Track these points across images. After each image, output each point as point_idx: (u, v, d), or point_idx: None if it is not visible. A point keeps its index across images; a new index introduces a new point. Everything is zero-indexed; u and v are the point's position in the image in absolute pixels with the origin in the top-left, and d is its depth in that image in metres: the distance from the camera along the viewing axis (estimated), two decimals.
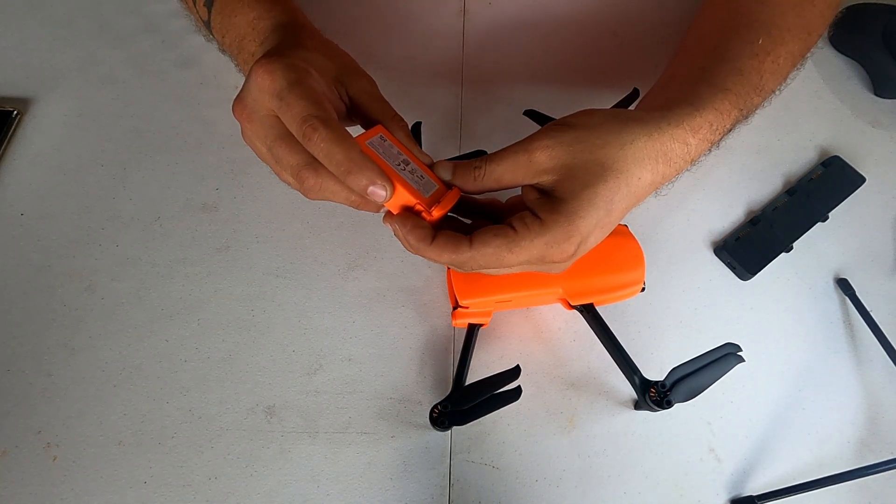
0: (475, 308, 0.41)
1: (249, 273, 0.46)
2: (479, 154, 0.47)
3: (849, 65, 0.57)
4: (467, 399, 0.37)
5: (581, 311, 0.41)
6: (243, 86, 0.35)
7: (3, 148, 0.49)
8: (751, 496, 0.40)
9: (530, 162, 0.34)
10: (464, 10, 0.58)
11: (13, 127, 0.50)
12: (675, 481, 0.40)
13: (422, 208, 0.34)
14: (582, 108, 0.54)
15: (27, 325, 0.44)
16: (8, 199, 0.48)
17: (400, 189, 0.34)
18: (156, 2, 0.57)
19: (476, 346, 0.42)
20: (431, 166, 0.37)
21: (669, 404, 0.37)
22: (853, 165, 0.51)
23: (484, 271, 0.36)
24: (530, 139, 0.35)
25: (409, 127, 0.39)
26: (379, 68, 0.54)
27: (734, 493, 0.40)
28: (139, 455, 0.40)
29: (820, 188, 0.50)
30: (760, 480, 0.41)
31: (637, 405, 0.42)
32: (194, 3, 0.46)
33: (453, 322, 0.43)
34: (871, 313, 0.45)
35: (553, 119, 0.48)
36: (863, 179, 0.50)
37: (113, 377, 0.42)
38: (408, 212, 0.34)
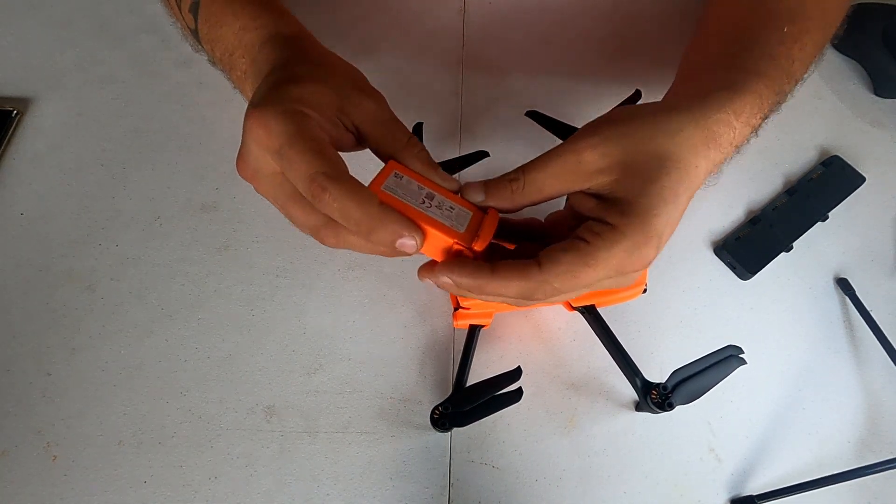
0: (476, 309, 0.41)
1: (249, 273, 0.46)
2: (482, 155, 0.47)
3: (849, 65, 0.57)
4: (468, 401, 0.37)
5: (583, 313, 0.41)
6: (242, 142, 0.32)
7: (3, 148, 0.49)
8: (751, 496, 0.39)
9: (579, 164, 0.31)
10: (464, 8, 0.58)
11: (13, 127, 0.50)
12: (675, 481, 0.40)
13: (461, 246, 0.31)
14: (583, 106, 0.54)
15: (27, 325, 0.43)
16: (8, 199, 0.48)
17: (431, 232, 0.30)
18: (156, 2, 0.57)
19: (476, 346, 0.42)
20: (460, 192, 0.34)
21: (671, 407, 0.37)
22: (853, 165, 0.51)
23: (556, 299, 0.32)
24: (573, 140, 0.32)
25: (411, 128, 0.37)
26: (378, 67, 0.54)
27: (734, 493, 0.40)
28: (139, 455, 0.40)
29: (820, 188, 0.50)
30: (760, 480, 0.41)
31: (638, 407, 0.42)
32: (179, 9, 0.42)
33: (455, 323, 0.43)
34: (871, 313, 0.45)
35: (558, 121, 0.48)
36: (863, 179, 0.50)
37: (113, 377, 0.42)
38: (447, 254, 0.31)
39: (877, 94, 0.55)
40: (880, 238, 0.49)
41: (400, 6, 0.57)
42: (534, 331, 0.44)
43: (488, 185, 0.33)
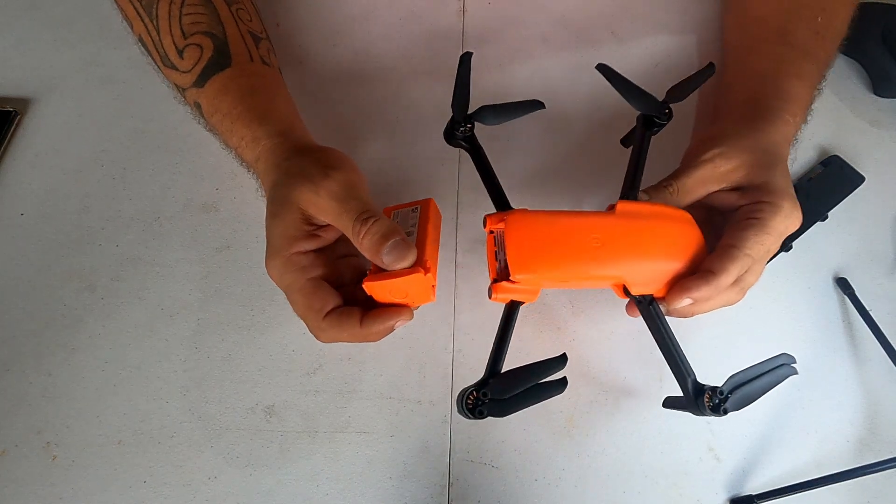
0: (527, 284, 0.36)
1: (249, 273, 0.46)
2: (536, 105, 0.45)
3: (848, 64, 0.57)
4: (508, 388, 0.33)
5: (639, 303, 0.38)
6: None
7: (3, 148, 0.49)
8: (750, 495, 0.40)
9: (715, 168, 0.40)
10: (463, 9, 0.58)
11: (13, 127, 0.50)
12: (674, 480, 0.40)
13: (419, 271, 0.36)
14: (583, 105, 0.53)
15: (27, 325, 0.44)
16: (8, 199, 0.48)
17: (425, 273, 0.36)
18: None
19: (473, 341, 0.41)
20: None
21: (725, 412, 0.34)
22: (852, 165, 0.51)
23: (741, 281, 0.38)
24: (698, 155, 0.40)
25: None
26: (378, 68, 0.54)
27: (733, 493, 0.40)
28: (139, 455, 0.40)
29: (819, 187, 0.50)
30: (759, 479, 0.41)
31: (668, 404, 0.39)
32: (185, 99, 0.45)
33: (493, 296, 0.36)
34: (871, 312, 0.45)
35: (627, 80, 0.43)
36: (862, 179, 0.50)
37: (113, 377, 0.42)
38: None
39: (876, 94, 0.55)
40: (880, 238, 0.49)
41: (400, 6, 0.57)
42: (534, 330, 0.44)
43: (649, 190, 0.40)
